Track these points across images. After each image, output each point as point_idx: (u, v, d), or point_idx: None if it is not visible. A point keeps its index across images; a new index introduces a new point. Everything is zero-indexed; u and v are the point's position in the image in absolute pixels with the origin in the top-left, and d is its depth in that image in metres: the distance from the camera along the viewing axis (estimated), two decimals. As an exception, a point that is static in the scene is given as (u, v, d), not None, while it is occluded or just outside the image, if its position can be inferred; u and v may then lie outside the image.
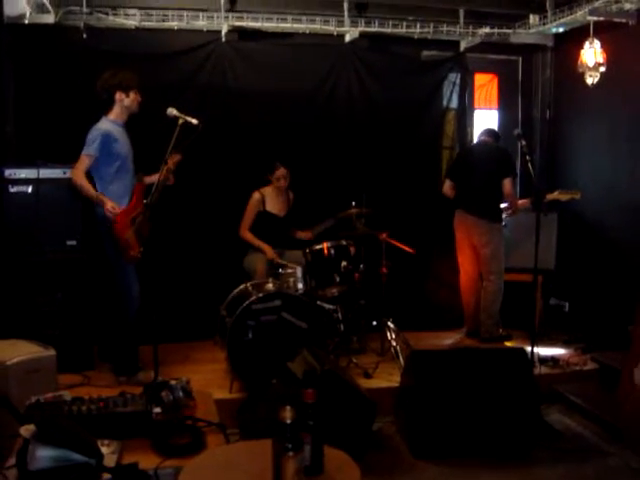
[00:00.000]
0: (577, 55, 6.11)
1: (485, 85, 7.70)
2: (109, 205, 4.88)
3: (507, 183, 6.16)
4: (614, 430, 4.74)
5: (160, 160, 4.79)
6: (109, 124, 5.05)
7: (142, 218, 4.94)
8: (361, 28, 6.66)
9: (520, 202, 6.34)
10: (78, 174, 4.97)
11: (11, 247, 5.31)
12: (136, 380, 4.98)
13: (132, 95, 5.09)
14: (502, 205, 6.35)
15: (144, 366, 5.17)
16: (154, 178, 4.98)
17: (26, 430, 2.72)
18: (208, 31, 6.43)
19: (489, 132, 6.55)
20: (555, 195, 6.22)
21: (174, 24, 6.29)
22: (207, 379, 5.25)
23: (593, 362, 5.84)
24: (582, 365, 5.84)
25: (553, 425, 4.95)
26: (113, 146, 5.01)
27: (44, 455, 2.65)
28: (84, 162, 4.96)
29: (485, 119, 7.58)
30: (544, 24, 6.66)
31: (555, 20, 6.49)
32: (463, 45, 7.08)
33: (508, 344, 6.22)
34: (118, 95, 5.06)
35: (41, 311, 5.32)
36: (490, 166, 6.26)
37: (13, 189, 5.31)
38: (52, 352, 4.39)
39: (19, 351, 4.25)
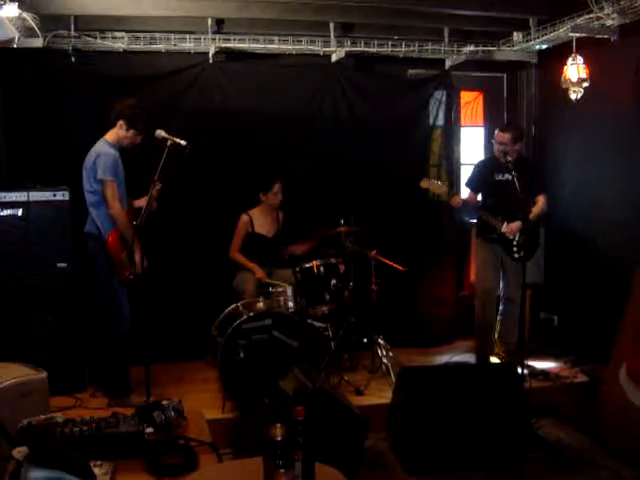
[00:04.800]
0: (561, 71, 6.15)
1: (471, 102, 7.77)
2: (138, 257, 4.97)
3: None
4: (605, 442, 4.77)
5: (149, 182, 4.81)
6: (111, 148, 5.06)
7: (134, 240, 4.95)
8: (347, 48, 6.71)
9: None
10: (120, 206, 4.99)
11: (1, 270, 5.31)
12: (129, 402, 4.97)
13: (130, 133, 5.10)
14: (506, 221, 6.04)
15: (136, 387, 5.17)
16: (142, 202, 5.00)
17: (19, 452, 2.72)
18: (195, 53, 6.48)
19: None
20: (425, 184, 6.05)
21: (161, 46, 6.34)
22: (199, 399, 5.25)
23: (583, 375, 5.88)
24: (572, 378, 5.87)
25: (545, 438, 4.97)
26: (118, 171, 5.05)
27: (37, 477, 2.65)
28: (115, 189, 4.97)
29: (471, 136, 7.64)
30: (527, 41, 6.73)
31: (538, 37, 6.56)
32: (448, 63, 7.13)
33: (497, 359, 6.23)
34: (121, 122, 5.08)
35: (32, 334, 5.32)
36: None
37: (3, 212, 5.32)
38: (44, 375, 4.38)
39: (10, 374, 4.24)
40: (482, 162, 6.45)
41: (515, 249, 5.93)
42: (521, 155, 6.18)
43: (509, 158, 5.69)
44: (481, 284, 6.20)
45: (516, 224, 5.87)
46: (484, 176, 6.19)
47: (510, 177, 5.77)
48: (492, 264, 6.13)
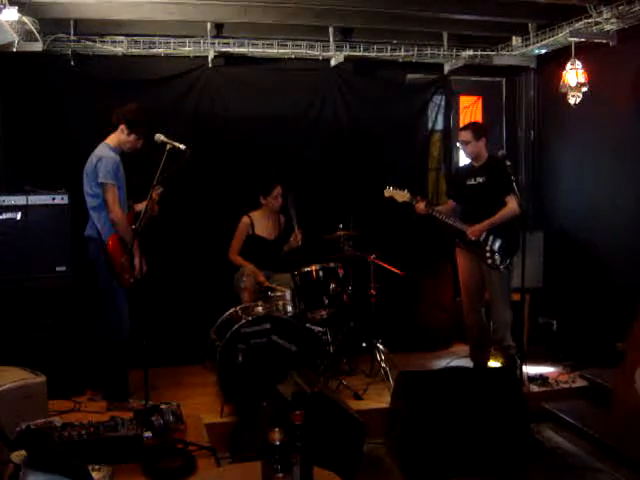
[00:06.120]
0: (559, 76, 6.17)
1: (470, 107, 7.79)
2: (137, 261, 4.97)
3: None
4: (604, 447, 4.77)
5: (148, 186, 4.80)
6: (112, 152, 5.07)
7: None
8: (346, 52, 6.72)
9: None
10: (120, 211, 5.00)
11: (0, 273, 5.30)
12: (127, 406, 4.96)
13: (131, 137, 5.12)
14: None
15: (134, 390, 5.16)
16: (143, 206, 5.00)
17: (17, 456, 2.72)
18: (195, 57, 6.51)
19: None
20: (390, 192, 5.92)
21: (161, 50, 6.36)
22: (198, 403, 5.25)
23: (582, 379, 5.86)
24: (571, 383, 5.86)
25: (544, 443, 4.96)
26: (118, 175, 5.06)
27: (35, 481, 2.65)
28: (116, 193, 4.99)
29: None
30: (526, 46, 6.75)
31: (537, 42, 6.57)
32: (447, 68, 7.16)
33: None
34: (122, 126, 5.10)
35: (31, 337, 5.31)
36: None
37: (2, 216, 5.32)
38: (42, 378, 4.38)
39: (9, 378, 4.24)
40: (457, 169, 6.40)
41: (488, 254, 5.78)
42: (494, 156, 5.73)
43: (495, 161, 5.60)
44: (462, 290, 6.15)
45: (478, 226, 5.74)
46: (457, 182, 6.12)
47: (481, 180, 5.81)
48: (469, 269, 5.99)
